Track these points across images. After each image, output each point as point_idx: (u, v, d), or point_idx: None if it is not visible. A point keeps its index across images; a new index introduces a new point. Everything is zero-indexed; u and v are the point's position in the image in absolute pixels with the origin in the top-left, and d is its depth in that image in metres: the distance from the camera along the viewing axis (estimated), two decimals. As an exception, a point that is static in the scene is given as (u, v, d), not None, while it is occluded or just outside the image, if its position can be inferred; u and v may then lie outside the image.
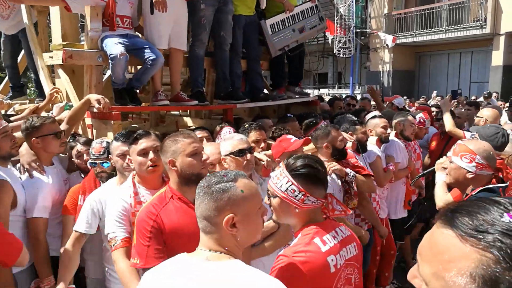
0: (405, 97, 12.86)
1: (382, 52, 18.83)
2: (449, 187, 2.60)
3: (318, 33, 5.03)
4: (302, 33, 4.40)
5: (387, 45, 17.56)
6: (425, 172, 3.34)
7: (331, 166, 2.87)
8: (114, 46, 3.29)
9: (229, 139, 2.49)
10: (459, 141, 2.36)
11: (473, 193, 2.10)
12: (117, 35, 3.44)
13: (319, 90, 18.84)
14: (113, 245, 2.09)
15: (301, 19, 4.41)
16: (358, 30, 18.76)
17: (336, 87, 20.74)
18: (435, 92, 14.68)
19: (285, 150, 2.60)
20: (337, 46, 18.30)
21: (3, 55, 4.61)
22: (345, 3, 17.96)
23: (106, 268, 2.45)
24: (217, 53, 4.05)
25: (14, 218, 2.40)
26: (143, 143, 2.21)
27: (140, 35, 3.75)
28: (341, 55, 18.70)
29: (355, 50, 18.92)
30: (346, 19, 17.90)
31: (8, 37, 4.53)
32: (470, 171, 2.15)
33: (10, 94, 4.53)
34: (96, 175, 2.73)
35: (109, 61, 3.32)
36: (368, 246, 3.36)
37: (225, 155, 2.42)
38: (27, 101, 4.43)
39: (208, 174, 1.51)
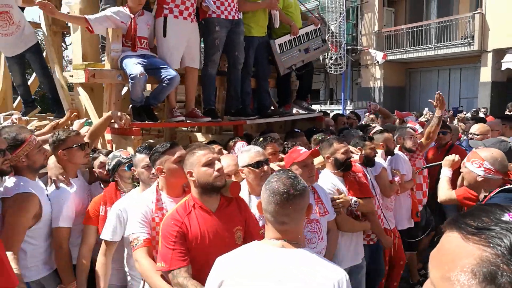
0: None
1: (373, 69, 19.42)
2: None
3: (321, 54, 5.38)
4: (307, 53, 4.75)
5: (377, 61, 18.14)
6: (431, 164, 3.63)
7: (337, 202, 3.04)
8: (134, 66, 3.55)
9: (246, 151, 2.68)
10: (473, 149, 2.71)
11: (492, 194, 2.41)
12: (136, 55, 3.71)
13: (311, 106, 19.26)
14: (135, 244, 2.26)
15: (306, 40, 4.76)
16: (349, 47, 19.35)
17: (328, 103, 21.21)
18: (426, 109, 15.16)
19: (295, 160, 2.77)
20: (329, 62, 18.83)
21: (12, 76, 4.70)
22: (336, 20, 18.57)
23: (128, 274, 2.61)
24: (230, 73, 4.35)
25: (39, 228, 2.57)
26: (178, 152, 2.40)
27: (155, 55, 4.02)
28: (332, 72, 19.22)
29: (346, 67, 19.47)
30: (337, 36, 18.48)
31: (13, 59, 4.57)
32: (479, 175, 2.52)
33: (24, 110, 4.71)
34: (132, 178, 2.87)
35: (129, 80, 3.57)
36: (378, 256, 3.61)
37: (243, 166, 2.61)
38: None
39: (275, 179, 1.65)
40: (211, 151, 2.21)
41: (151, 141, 4.16)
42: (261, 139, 3.45)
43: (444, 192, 3.02)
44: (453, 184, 3.21)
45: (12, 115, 4.43)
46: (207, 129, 4.65)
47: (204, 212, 2.11)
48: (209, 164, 2.12)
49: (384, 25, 18.98)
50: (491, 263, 0.67)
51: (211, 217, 2.12)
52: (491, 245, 0.68)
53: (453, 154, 3.23)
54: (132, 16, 3.66)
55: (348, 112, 12.42)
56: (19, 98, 5.29)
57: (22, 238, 2.46)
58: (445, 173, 3.18)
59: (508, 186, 2.43)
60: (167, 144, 2.44)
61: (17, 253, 2.39)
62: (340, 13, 18.60)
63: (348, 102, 19.74)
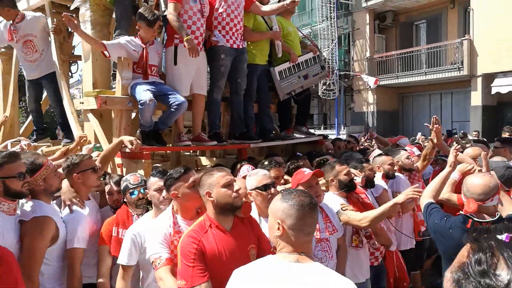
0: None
1: (366, 94, 19.89)
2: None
3: (320, 80, 5.68)
4: (306, 79, 5.04)
5: (369, 86, 18.63)
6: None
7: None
8: (143, 93, 3.76)
9: (254, 175, 2.80)
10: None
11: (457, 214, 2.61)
12: (146, 83, 3.93)
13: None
14: (158, 263, 2.33)
15: (305, 67, 5.06)
16: (341, 73, 19.87)
17: (322, 127, 21.57)
18: (419, 134, 15.51)
19: (300, 181, 2.91)
20: (322, 88, 19.27)
21: (28, 100, 5.02)
22: (328, 47, 19.14)
23: None
24: (233, 98, 4.59)
25: (54, 250, 2.67)
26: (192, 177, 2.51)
27: (163, 82, 4.24)
28: (325, 97, 19.66)
29: (339, 92, 19.94)
30: (330, 63, 18.97)
31: (32, 83, 4.92)
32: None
33: (34, 137, 4.91)
34: (135, 204, 3.02)
35: (139, 106, 3.77)
36: (381, 279, 3.74)
37: (251, 189, 2.72)
38: (51, 144, 4.84)
39: (293, 195, 1.78)
40: (228, 173, 2.34)
41: (158, 165, 4.34)
42: (266, 162, 3.63)
43: (445, 192, 3.16)
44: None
45: (20, 141, 4.62)
46: (212, 153, 4.85)
47: (220, 231, 2.21)
48: (228, 185, 2.23)
49: (375, 51, 19.58)
50: (462, 269, 0.88)
51: (226, 236, 2.21)
52: (471, 255, 0.87)
53: (470, 164, 3.31)
54: (144, 46, 3.91)
55: (344, 136, 12.78)
56: (24, 125, 5.51)
57: (41, 262, 2.56)
58: (454, 176, 3.26)
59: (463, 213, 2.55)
60: (181, 170, 2.55)
61: (37, 277, 2.50)
62: (332, 40, 19.19)
63: (342, 127, 20.11)
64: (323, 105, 22.50)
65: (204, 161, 4.71)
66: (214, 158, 4.73)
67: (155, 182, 2.82)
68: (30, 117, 5.43)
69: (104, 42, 3.88)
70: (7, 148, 4.49)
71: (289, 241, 1.71)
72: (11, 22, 4.63)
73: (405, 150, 4.75)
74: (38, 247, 2.50)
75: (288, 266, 1.65)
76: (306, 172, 3.02)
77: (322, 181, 3.52)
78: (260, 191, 2.68)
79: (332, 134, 17.68)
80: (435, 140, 4.30)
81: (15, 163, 2.44)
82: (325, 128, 21.46)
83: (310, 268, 1.65)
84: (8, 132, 5.20)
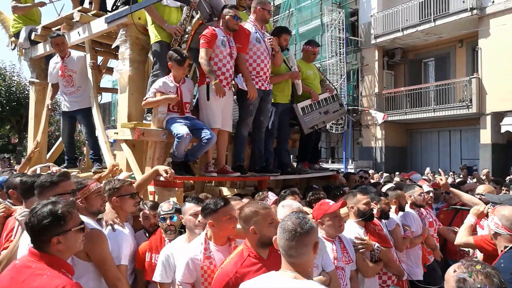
0: (397, 173, 14.07)
1: (374, 129, 20.38)
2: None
3: (339, 116, 6.18)
4: (327, 115, 5.54)
5: (377, 121, 19.16)
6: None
7: (362, 244, 3.55)
8: (180, 127, 4.22)
9: (288, 206, 3.20)
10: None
11: (505, 250, 2.67)
12: (181, 117, 4.41)
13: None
14: None
15: (325, 104, 5.57)
16: (350, 107, 20.45)
17: (330, 161, 21.97)
18: (428, 169, 15.87)
19: (326, 212, 3.22)
20: (330, 122, 19.80)
21: (62, 132, 5.56)
22: (337, 82, 19.82)
23: None
24: (255, 134, 5.08)
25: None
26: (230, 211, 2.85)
27: (195, 117, 4.71)
28: (333, 131, 20.18)
29: (348, 127, 20.48)
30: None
31: (67, 116, 5.47)
32: (492, 228, 2.87)
33: (65, 165, 5.40)
34: (165, 229, 3.37)
35: (176, 139, 4.22)
36: None
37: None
38: (79, 171, 5.30)
39: (286, 218, 2.05)
40: (271, 210, 2.67)
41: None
42: (282, 192, 4.04)
43: (462, 236, 3.38)
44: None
45: (49, 167, 5.07)
46: (232, 184, 5.26)
47: (257, 259, 2.52)
48: (272, 223, 2.55)
49: (384, 87, 20.21)
50: None
51: (264, 264, 2.50)
52: None
53: (483, 205, 3.58)
54: (177, 85, 4.41)
55: (353, 170, 13.16)
56: (51, 151, 6.01)
57: (115, 265, 2.86)
58: (469, 220, 3.48)
59: None
60: (222, 203, 2.87)
61: (123, 277, 2.84)
62: (341, 75, 19.91)
63: (350, 161, 20.51)
64: (330, 139, 23.00)
65: (225, 191, 5.11)
66: (235, 189, 5.13)
67: (191, 207, 3.18)
68: (56, 144, 5.93)
69: (148, 99, 4.41)
70: (36, 172, 4.93)
71: (283, 259, 2.04)
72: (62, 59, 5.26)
73: (420, 186, 5.11)
74: (108, 254, 2.78)
75: (287, 281, 1.94)
76: (331, 203, 3.35)
77: (343, 210, 3.84)
78: None
79: (340, 168, 18.01)
80: (441, 183, 4.71)
81: (69, 181, 2.82)
82: (332, 162, 21.84)
83: (306, 284, 1.92)
84: (37, 157, 5.67)
